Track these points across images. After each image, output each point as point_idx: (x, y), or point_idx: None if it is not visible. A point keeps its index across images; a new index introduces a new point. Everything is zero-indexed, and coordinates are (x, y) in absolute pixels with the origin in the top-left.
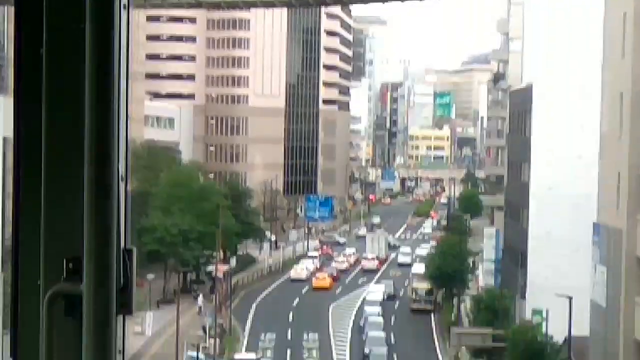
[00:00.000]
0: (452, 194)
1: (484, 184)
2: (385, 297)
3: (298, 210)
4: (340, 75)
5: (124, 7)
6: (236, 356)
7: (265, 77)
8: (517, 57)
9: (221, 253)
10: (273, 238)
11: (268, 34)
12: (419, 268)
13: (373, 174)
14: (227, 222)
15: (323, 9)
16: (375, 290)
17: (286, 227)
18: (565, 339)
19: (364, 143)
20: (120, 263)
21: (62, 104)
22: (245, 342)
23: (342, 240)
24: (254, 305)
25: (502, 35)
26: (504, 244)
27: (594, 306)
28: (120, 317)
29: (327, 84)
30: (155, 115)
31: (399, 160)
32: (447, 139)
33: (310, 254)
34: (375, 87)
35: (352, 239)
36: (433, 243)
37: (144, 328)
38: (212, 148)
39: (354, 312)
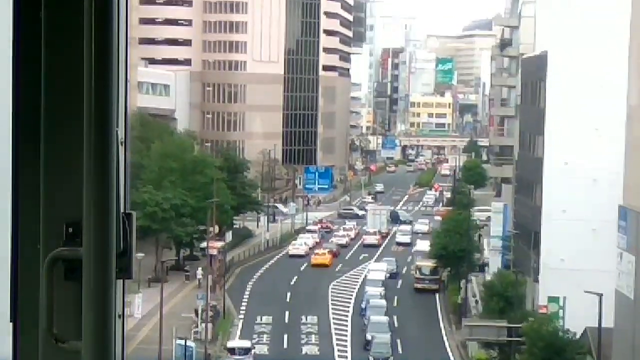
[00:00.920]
0: (457, 164)
1: (488, 153)
2: (388, 275)
3: (297, 182)
4: (340, 41)
5: None
6: (229, 344)
7: (264, 43)
8: (528, 23)
9: (216, 228)
10: (271, 211)
11: None
12: (423, 245)
13: (374, 142)
14: (222, 196)
15: None
16: (377, 269)
17: (284, 199)
18: (585, 330)
19: (364, 110)
20: (119, 227)
21: (61, 68)
22: (240, 326)
23: (360, 212)
24: (250, 284)
25: None
26: (514, 221)
27: (619, 297)
28: (120, 282)
29: (327, 50)
30: (150, 81)
31: (400, 127)
32: (449, 106)
33: (309, 227)
34: (376, 53)
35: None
36: (437, 218)
37: (132, 310)
38: (209, 116)
39: (355, 292)
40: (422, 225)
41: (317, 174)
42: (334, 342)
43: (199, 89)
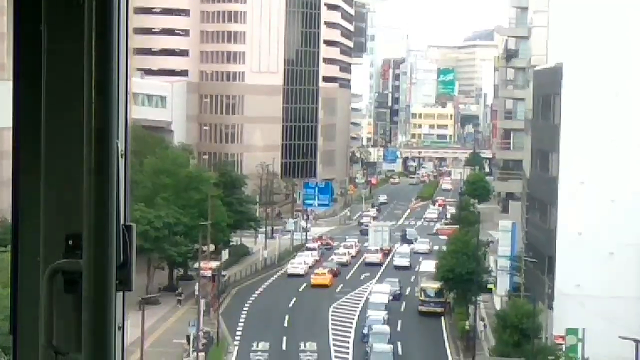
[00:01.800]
0: (461, 178)
1: (490, 165)
2: (391, 297)
3: (296, 196)
4: (341, 52)
5: None
6: None
7: (263, 53)
8: (540, 33)
9: (212, 246)
10: (269, 227)
11: (265, 7)
12: (428, 266)
13: (374, 154)
14: (218, 213)
15: None
16: (380, 291)
17: (283, 213)
18: None
19: (364, 121)
20: (119, 239)
21: (61, 80)
22: (235, 353)
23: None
24: (246, 306)
25: (516, 9)
26: (525, 242)
27: None
28: (120, 294)
29: (328, 61)
30: (146, 93)
31: (400, 139)
32: (451, 117)
33: (308, 245)
34: (377, 64)
35: (354, 226)
36: (442, 237)
37: None
38: (206, 128)
39: (357, 316)
40: (422, 245)
41: (317, 189)
42: None
43: (196, 100)
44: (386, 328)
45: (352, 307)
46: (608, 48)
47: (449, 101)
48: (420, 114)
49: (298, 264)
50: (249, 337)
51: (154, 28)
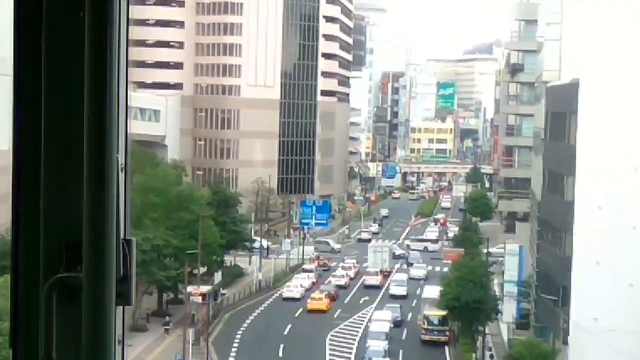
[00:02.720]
0: (464, 195)
1: (491, 181)
2: (392, 325)
3: (292, 214)
4: (340, 65)
5: None
6: None
7: (259, 66)
8: (552, 46)
9: (204, 268)
10: (264, 245)
11: (262, 19)
12: (431, 292)
13: (373, 169)
14: (210, 235)
15: None
16: (380, 319)
17: (279, 231)
18: None
19: (363, 136)
20: (119, 253)
21: (61, 92)
22: None
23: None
24: (239, 334)
25: (521, 21)
26: (536, 271)
27: None
28: (120, 308)
29: (326, 74)
30: (139, 106)
31: (400, 153)
32: (450, 132)
33: (305, 266)
34: (376, 77)
35: (353, 244)
36: (446, 261)
37: None
38: (200, 142)
39: (356, 345)
40: (418, 271)
41: (314, 207)
42: None
43: (191, 114)
44: None
45: (351, 335)
46: (628, 62)
47: (449, 115)
48: (420, 128)
49: (294, 287)
50: None
51: (147, 40)
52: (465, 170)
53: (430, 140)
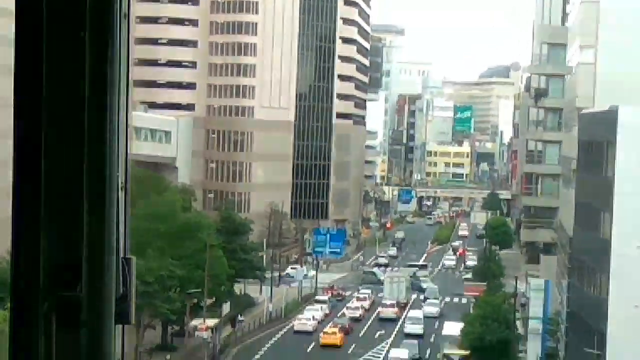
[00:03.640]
0: (483, 221)
1: (509, 208)
2: None
3: (305, 243)
4: (356, 87)
5: (124, 16)
6: None
7: (274, 87)
8: (584, 71)
9: (211, 299)
10: (276, 274)
11: (277, 39)
12: (451, 328)
13: (389, 193)
14: (218, 265)
15: (339, 14)
16: (397, 357)
17: (291, 258)
18: None
19: (379, 159)
20: (119, 272)
21: (62, 112)
22: None
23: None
24: None
25: (546, 45)
26: (567, 311)
27: None
28: (120, 327)
29: (342, 96)
30: (150, 127)
31: (415, 177)
32: (467, 156)
33: (318, 297)
34: (392, 100)
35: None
36: (467, 296)
37: None
38: (212, 165)
39: None
40: (431, 308)
41: (328, 235)
42: None
43: (203, 135)
44: None
45: None
46: None
47: (466, 139)
48: (436, 151)
49: (306, 320)
50: None
51: (159, 59)
52: (482, 195)
53: (447, 164)
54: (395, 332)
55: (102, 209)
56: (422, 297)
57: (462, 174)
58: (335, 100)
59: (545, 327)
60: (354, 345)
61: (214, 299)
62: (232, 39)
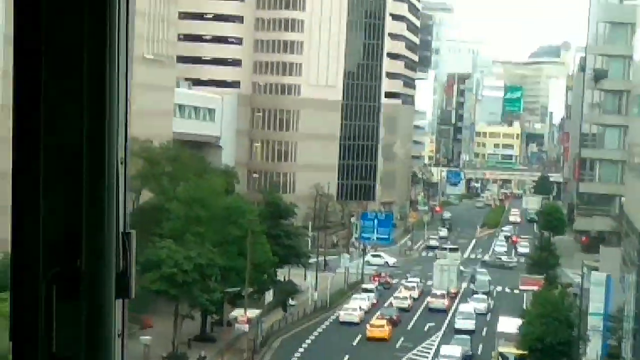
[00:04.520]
0: (535, 210)
1: (560, 191)
2: None
3: (352, 229)
4: (405, 65)
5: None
6: None
7: (321, 65)
8: None
9: (253, 288)
10: (321, 258)
11: (325, 16)
12: (508, 325)
13: (437, 174)
14: (261, 253)
15: None
16: (448, 354)
17: (337, 240)
18: None
19: (427, 139)
20: (119, 246)
21: (61, 88)
22: None
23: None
24: None
25: (607, 24)
26: (636, 311)
27: None
28: (120, 301)
29: (391, 75)
30: (194, 105)
31: (464, 157)
32: (517, 137)
33: (365, 285)
34: (441, 79)
35: (417, 259)
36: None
37: None
38: (257, 144)
39: None
40: (479, 304)
41: (376, 220)
42: None
43: (248, 114)
44: None
45: None
46: None
47: (516, 120)
48: (485, 132)
49: (352, 310)
50: None
51: (204, 35)
52: (532, 178)
53: (496, 145)
54: (445, 325)
55: (101, 183)
56: (472, 287)
57: (511, 156)
58: (384, 79)
59: (607, 324)
60: (402, 339)
61: (255, 287)
62: (279, 15)
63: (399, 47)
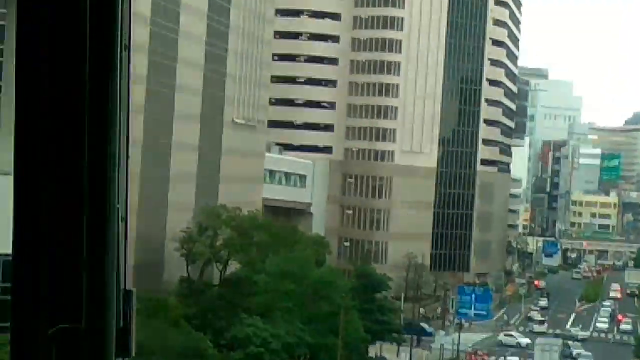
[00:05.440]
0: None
1: None
2: None
3: (449, 301)
4: (501, 132)
5: (125, 48)
6: None
7: (415, 131)
8: None
9: None
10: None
11: (421, 79)
12: None
13: (532, 244)
14: (352, 330)
15: (486, 55)
16: None
17: (429, 312)
18: None
19: (521, 208)
20: (120, 304)
21: (62, 144)
22: None
23: (523, 341)
24: None
25: None
26: None
27: None
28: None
29: (487, 142)
30: (284, 170)
31: (559, 227)
32: (614, 206)
33: None
34: (536, 146)
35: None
36: None
37: None
38: (349, 211)
39: None
40: None
41: (473, 296)
42: None
43: (339, 180)
44: None
45: None
46: None
47: (613, 189)
48: (581, 201)
49: None
50: None
51: (297, 99)
52: (629, 249)
53: (592, 215)
54: None
55: (102, 242)
56: None
57: (608, 225)
58: (481, 146)
59: None
60: None
61: None
62: (374, 79)
63: (496, 114)
